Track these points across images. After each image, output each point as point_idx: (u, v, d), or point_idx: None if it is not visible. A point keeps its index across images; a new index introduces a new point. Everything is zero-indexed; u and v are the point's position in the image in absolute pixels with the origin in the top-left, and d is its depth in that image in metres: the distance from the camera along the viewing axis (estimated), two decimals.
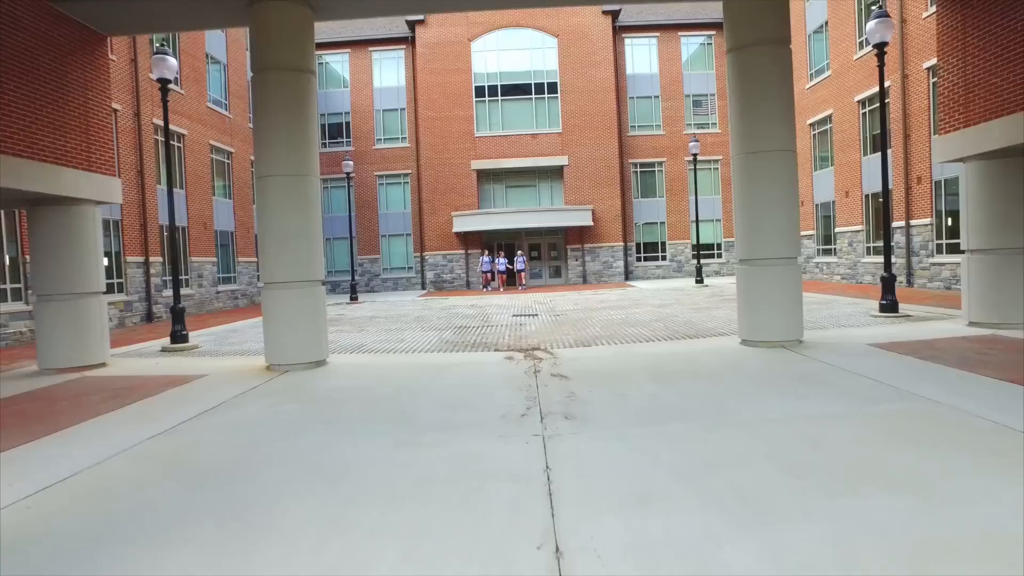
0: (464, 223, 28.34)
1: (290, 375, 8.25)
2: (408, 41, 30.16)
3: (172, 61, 11.06)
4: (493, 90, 29.32)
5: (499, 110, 29.31)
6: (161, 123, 19.55)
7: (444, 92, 29.23)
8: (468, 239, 29.21)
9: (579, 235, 29.15)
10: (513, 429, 5.21)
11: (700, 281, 24.21)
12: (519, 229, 29.20)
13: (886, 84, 18.81)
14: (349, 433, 5.37)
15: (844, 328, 10.30)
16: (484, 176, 29.72)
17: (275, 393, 7.15)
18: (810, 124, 24.54)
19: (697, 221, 25.91)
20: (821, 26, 23.56)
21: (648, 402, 5.96)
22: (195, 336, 13.43)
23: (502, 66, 29.35)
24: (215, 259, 22.18)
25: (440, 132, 29.30)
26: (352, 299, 24.24)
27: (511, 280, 27.98)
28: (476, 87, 29.32)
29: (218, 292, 21.85)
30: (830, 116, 22.76)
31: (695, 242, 27.39)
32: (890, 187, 18.73)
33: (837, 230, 22.78)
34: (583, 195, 29.08)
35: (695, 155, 24.45)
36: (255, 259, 24.88)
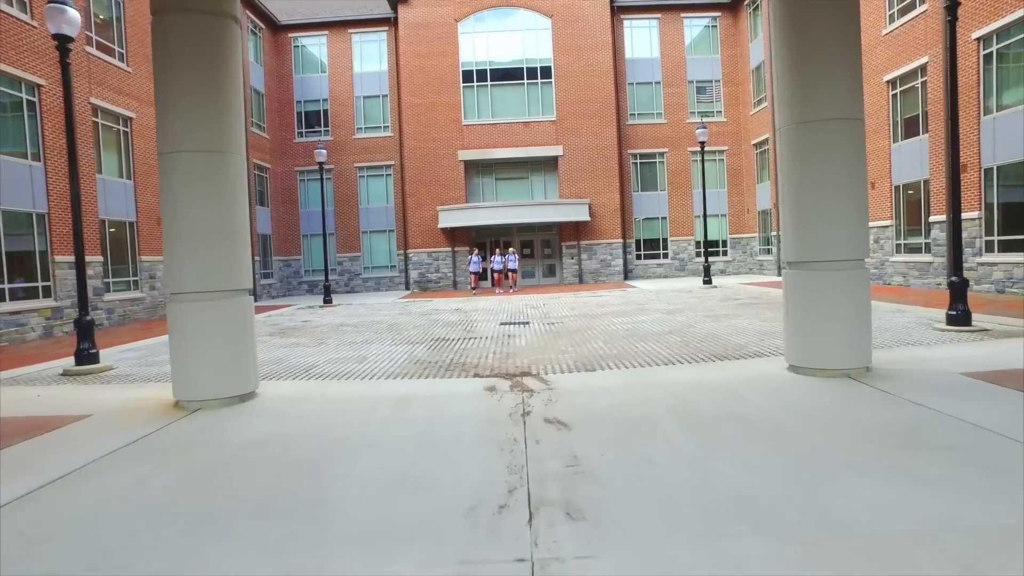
0: (450, 218, 26.35)
1: (199, 416, 6.25)
2: (390, 22, 28.08)
3: (72, 13, 8.94)
4: (482, 75, 27.32)
5: (488, 96, 27.31)
6: (101, 104, 17.69)
7: (429, 77, 27.20)
8: (455, 236, 27.22)
9: (575, 231, 27.22)
10: (484, 544, 3.26)
11: (708, 281, 22.31)
12: (510, 225, 27.24)
13: (923, 60, 16.98)
14: (219, 546, 3.39)
15: (912, 347, 8.34)
16: (472, 168, 27.74)
17: (159, 452, 5.14)
18: None
19: (705, 216, 24.00)
20: None
21: (690, 478, 4.01)
22: (120, 352, 11.40)
23: (492, 49, 27.35)
24: None
25: (425, 120, 27.27)
26: (326, 302, 22.21)
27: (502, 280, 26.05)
28: (464, 71, 27.30)
29: None
30: None
31: (703, 238, 25.45)
32: (930, 179, 17.06)
33: None
34: (579, 188, 27.15)
35: (703, 143, 22.54)
36: None
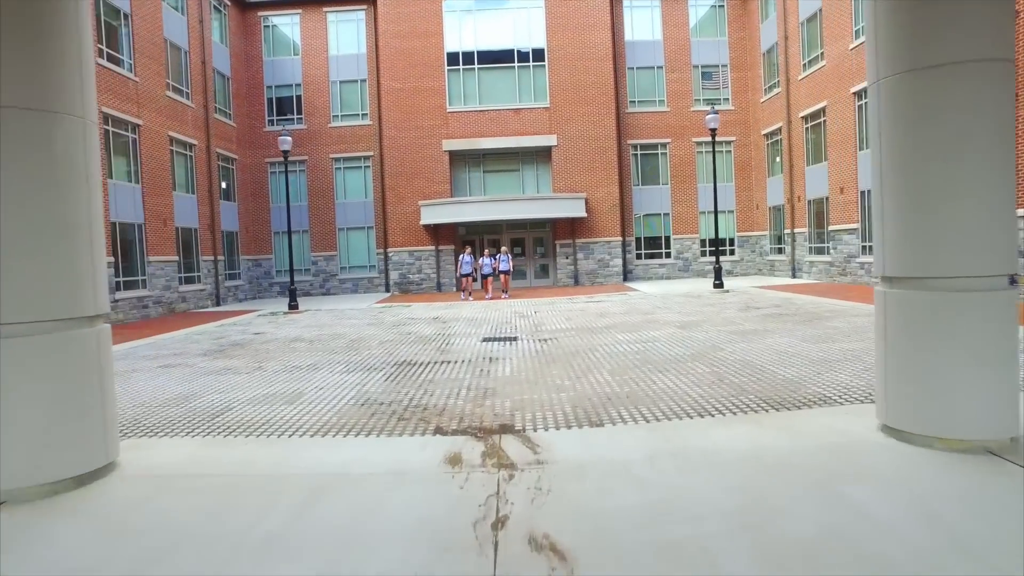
0: (433, 214, 24.15)
1: None
2: (370, 1, 25.81)
3: None
4: (469, 58, 25.10)
5: (475, 81, 25.11)
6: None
7: (411, 60, 24.97)
8: (439, 233, 25.04)
9: (570, 228, 25.08)
10: None
11: (719, 285, 20.20)
12: (499, 221, 25.08)
13: None
14: None
15: None
16: (458, 159, 25.54)
17: None
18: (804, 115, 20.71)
19: (716, 211, 21.83)
20: None
21: None
22: None
23: (479, 30, 25.13)
24: (111, 260, 17.81)
25: (406, 107, 25.05)
26: (291, 307, 19.97)
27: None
28: (449, 54, 25.08)
29: (117, 301, 17.52)
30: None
31: (715, 235, 23.45)
32: None
33: None
34: (575, 181, 25.00)
35: (714, 131, 20.40)
36: (173, 257, 20.59)
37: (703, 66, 26.68)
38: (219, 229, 23.68)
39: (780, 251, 24.83)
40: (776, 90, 24.32)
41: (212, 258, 23.05)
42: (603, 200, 25.07)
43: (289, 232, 21.33)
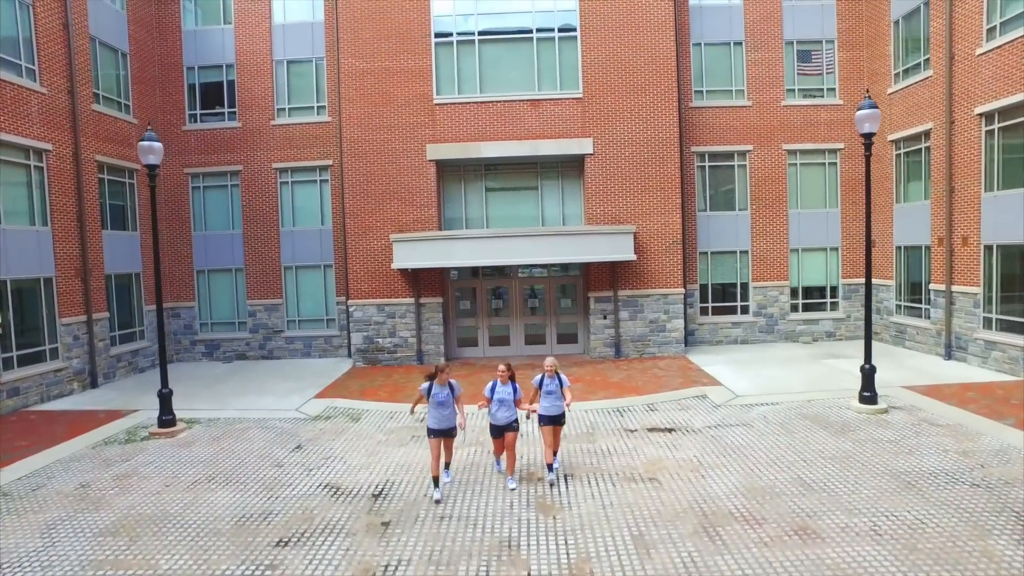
0: (411, 254, 15.45)
1: None
2: None
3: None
4: (466, 24, 16.27)
5: (475, 58, 16.26)
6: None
7: (383, 28, 16.18)
8: (420, 280, 16.36)
9: (610, 274, 16.31)
10: None
11: (870, 398, 11.07)
12: (508, 266, 16.38)
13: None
14: None
15: None
16: (450, 172, 16.80)
17: None
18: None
19: (868, 252, 12.91)
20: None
21: None
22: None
23: None
24: None
25: (375, 96, 16.28)
26: (163, 422, 11.17)
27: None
28: (437, 19, 16.21)
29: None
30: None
31: (814, 283, 14.70)
32: None
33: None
34: (618, 206, 16.16)
35: (868, 137, 11.20)
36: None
37: (799, 42, 17.57)
38: (99, 272, 15.20)
39: (918, 313, 15.85)
40: (922, 74, 15.25)
41: (83, 318, 14.58)
42: (658, 234, 16.24)
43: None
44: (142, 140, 10.95)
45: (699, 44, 17.39)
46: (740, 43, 17.42)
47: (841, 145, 17.47)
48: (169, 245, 17.78)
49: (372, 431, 11.07)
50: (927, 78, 15.02)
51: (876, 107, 10.84)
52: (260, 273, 17.70)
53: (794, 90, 17.52)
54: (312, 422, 11.72)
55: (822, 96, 17.55)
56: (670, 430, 10.56)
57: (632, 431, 10.58)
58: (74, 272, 14.39)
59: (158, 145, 10.98)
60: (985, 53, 13.29)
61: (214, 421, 11.88)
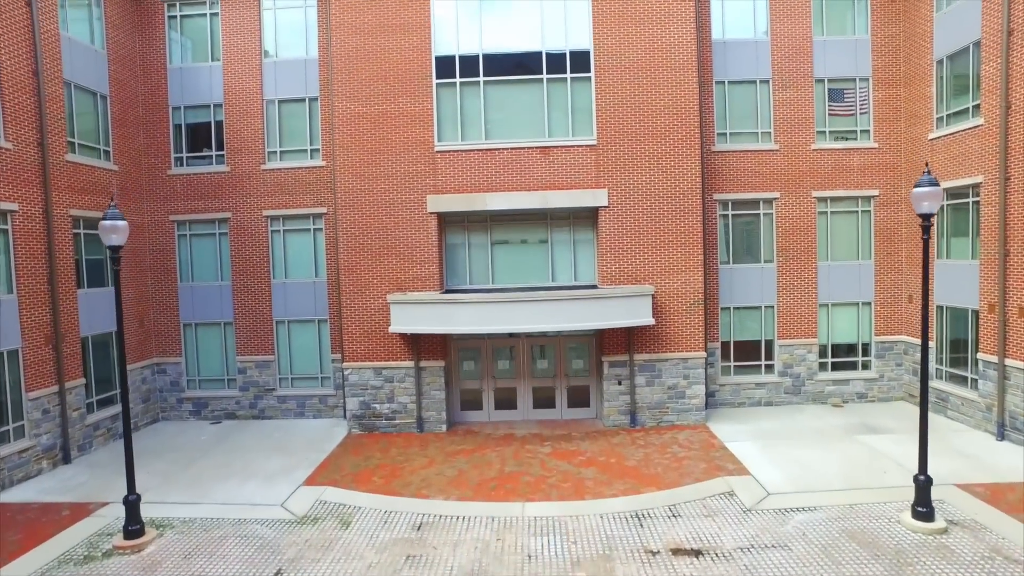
0: (409, 318, 14.00)
1: None
2: None
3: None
4: (470, 64, 14.74)
5: (480, 102, 14.75)
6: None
7: (381, 68, 14.69)
8: (421, 343, 14.93)
9: (625, 337, 14.76)
10: None
11: (925, 512, 9.27)
12: (515, 333, 14.90)
13: None
14: None
15: None
16: (453, 225, 15.32)
17: None
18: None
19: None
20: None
21: None
22: None
23: (487, 20, 14.75)
24: None
25: (372, 142, 14.83)
26: (129, 532, 9.73)
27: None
28: (439, 59, 14.73)
29: None
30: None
31: (843, 340, 13.22)
32: None
33: None
34: (634, 263, 14.67)
35: (927, 217, 9.60)
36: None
37: (830, 80, 16.00)
38: (73, 336, 13.85)
39: (963, 382, 14.24)
40: (970, 121, 13.63)
41: (54, 389, 13.23)
42: (679, 293, 14.74)
43: (121, 336, 11.11)
44: (104, 219, 9.55)
45: (722, 82, 15.81)
46: (767, 81, 15.83)
47: (875, 192, 15.87)
48: (154, 296, 16.41)
49: (362, 546, 9.63)
50: (977, 127, 13.40)
51: (937, 183, 9.28)
52: (251, 327, 16.30)
53: (825, 132, 15.92)
54: (298, 527, 10.29)
55: (855, 139, 15.96)
56: (698, 553, 9.08)
57: (654, 553, 9.11)
58: (44, 340, 13.02)
59: (122, 224, 9.56)
60: None
61: (188, 524, 10.47)
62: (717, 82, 15.79)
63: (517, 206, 14.54)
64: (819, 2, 15.85)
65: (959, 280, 14.15)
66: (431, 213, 14.64)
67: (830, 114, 15.99)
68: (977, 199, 13.60)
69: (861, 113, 16.00)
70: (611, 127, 14.49)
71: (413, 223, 14.69)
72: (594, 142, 14.50)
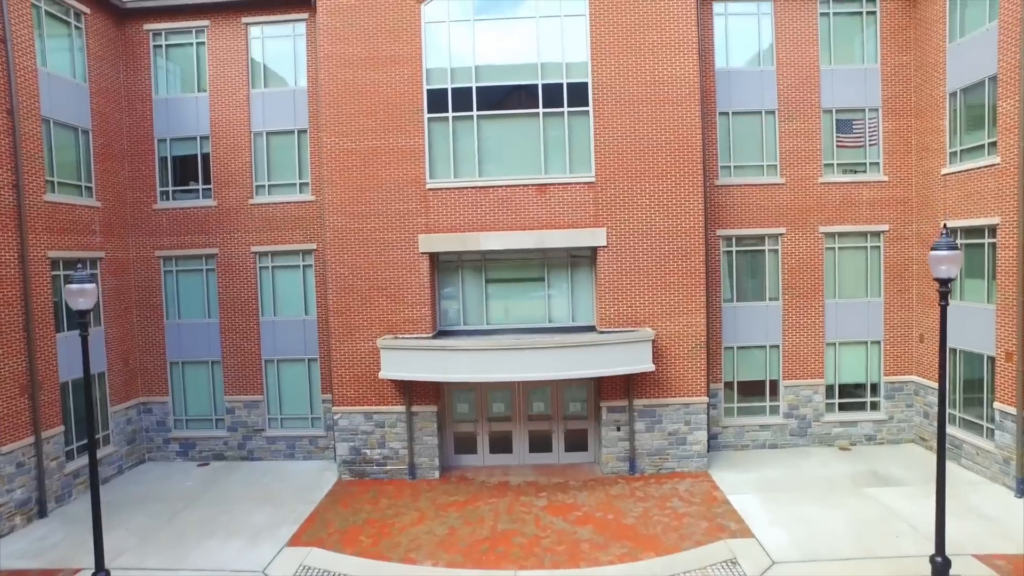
0: (401, 365, 13.31)
1: None
2: (310, 4, 14.94)
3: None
4: (463, 97, 14.04)
5: (473, 136, 14.06)
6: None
7: (370, 101, 14.02)
8: (413, 386, 14.29)
9: (624, 382, 14.02)
10: None
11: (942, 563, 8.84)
12: (510, 381, 14.21)
13: None
14: None
15: None
16: (445, 264, 14.69)
17: None
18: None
19: (943, 409, 10.78)
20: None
21: None
22: None
23: (480, 50, 14.03)
24: None
25: (363, 179, 14.17)
26: None
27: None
28: (430, 92, 14.05)
29: None
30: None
31: (851, 380, 12.54)
32: None
33: None
34: (634, 306, 13.97)
35: (945, 282, 8.81)
36: None
37: (838, 110, 15.30)
38: (51, 383, 13.27)
39: (978, 431, 13.46)
40: (985, 159, 12.89)
41: (30, 440, 12.62)
42: (680, 336, 14.06)
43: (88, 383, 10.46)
44: (69, 283, 8.93)
45: (726, 113, 15.10)
46: (772, 112, 15.12)
47: (885, 227, 15.17)
48: (140, 334, 15.80)
49: None
50: (993, 165, 12.70)
51: (956, 247, 8.59)
52: (239, 366, 15.69)
53: (833, 165, 15.22)
54: None
55: (864, 171, 15.25)
56: None
57: None
58: (19, 390, 12.42)
59: (91, 287, 8.91)
60: None
61: None
62: (721, 113, 15.09)
63: (512, 246, 13.88)
64: (826, 30, 15.13)
65: (974, 323, 13.42)
66: (423, 253, 13.99)
67: (838, 146, 15.28)
68: (993, 240, 12.89)
69: (870, 144, 15.30)
70: (610, 164, 13.81)
71: (404, 263, 14.05)
72: (592, 179, 13.83)
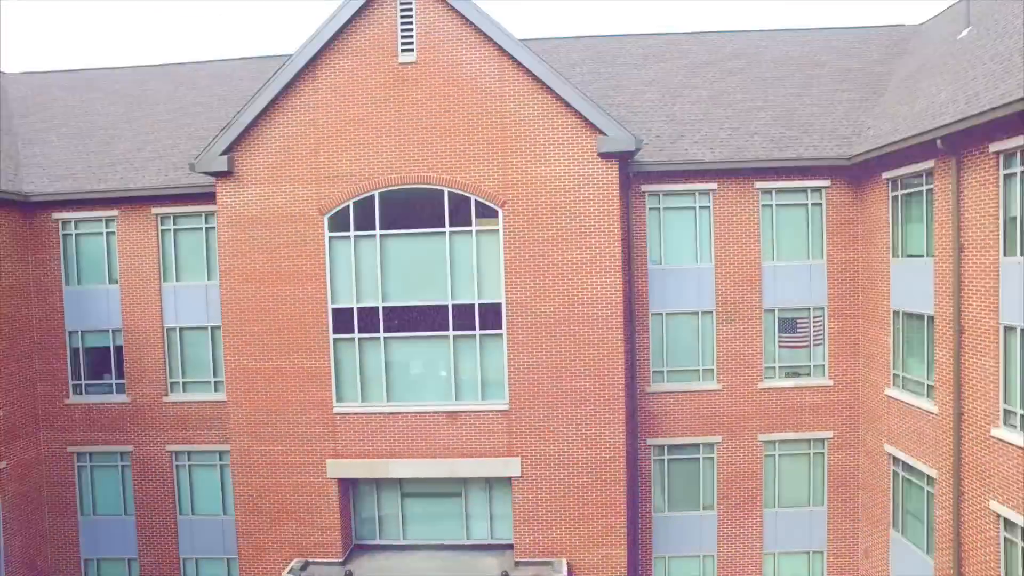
0: None
1: None
2: (213, 199, 14.16)
3: None
4: (369, 319, 13.19)
5: (381, 359, 13.12)
6: None
7: (275, 319, 13.17)
8: None
9: None
10: None
11: None
12: None
13: None
14: None
15: None
16: (360, 491, 14.00)
17: None
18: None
19: None
20: None
21: None
22: None
23: (389, 270, 13.14)
24: None
25: (268, 400, 13.44)
26: None
27: None
28: (335, 311, 13.18)
29: None
30: None
31: None
32: None
33: None
34: (550, 536, 13.02)
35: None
36: None
37: (781, 309, 14.25)
38: None
39: None
40: (925, 401, 11.81)
41: None
42: (598, 568, 13.27)
43: None
44: None
45: (660, 314, 14.16)
46: (710, 312, 14.11)
47: (829, 434, 14.14)
48: (53, 532, 15.38)
49: None
50: (932, 414, 11.66)
51: None
52: (156, 564, 15.17)
53: (774, 368, 14.19)
54: None
55: (808, 374, 14.20)
56: None
57: None
58: None
59: None
60: (1000, 442, 9.95)
61: None
62: (655, 314, 14.12)
63: (423, 475, 13.11)
64: (769, 222, 14.03)
65: (913, 565, 12.50)
66: (331, 479, 13.30)
67: (780, 346, 14.23)
68: (931, 490, 11.91)
69: (815, 344, 14.23)
70: (525, 390, 12.92)
71: (313, 488, 13.33)
72: (506, 407, 12.95)
